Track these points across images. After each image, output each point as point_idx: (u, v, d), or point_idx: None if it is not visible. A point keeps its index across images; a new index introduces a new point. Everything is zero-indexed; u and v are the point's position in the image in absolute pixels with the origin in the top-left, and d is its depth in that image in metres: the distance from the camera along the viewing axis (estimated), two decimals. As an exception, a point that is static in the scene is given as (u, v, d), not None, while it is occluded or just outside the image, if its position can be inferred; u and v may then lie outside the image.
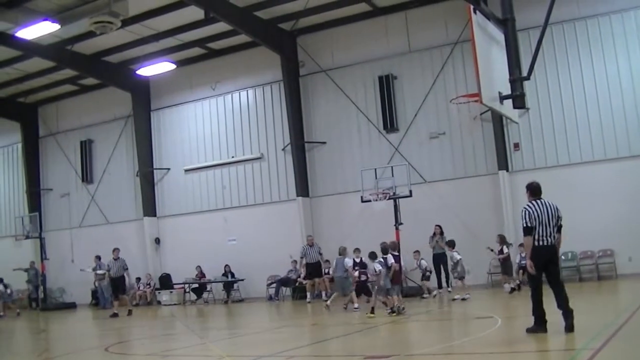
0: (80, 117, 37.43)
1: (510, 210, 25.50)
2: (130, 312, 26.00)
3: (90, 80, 35.52)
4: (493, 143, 26.30)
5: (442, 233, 24.20)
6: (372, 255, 19.27)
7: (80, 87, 36.89)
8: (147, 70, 31.91)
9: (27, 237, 35.36)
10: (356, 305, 20.13)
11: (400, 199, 24.90)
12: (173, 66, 31.76)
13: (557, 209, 11.59)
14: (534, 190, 11.80)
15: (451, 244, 22.37)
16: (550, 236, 11.44)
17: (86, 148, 37.01)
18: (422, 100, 27.90)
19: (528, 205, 11.62)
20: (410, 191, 24.77)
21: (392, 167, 25.99)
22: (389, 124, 28.39)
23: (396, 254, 18.07)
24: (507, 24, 11.74)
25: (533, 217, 11.43)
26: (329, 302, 21.11)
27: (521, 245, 19.14)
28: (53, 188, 38.49)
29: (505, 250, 22.83)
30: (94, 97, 36.80)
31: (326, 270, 25.93)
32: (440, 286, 24.09)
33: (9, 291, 37.07)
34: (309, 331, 16.84)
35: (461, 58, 27.05)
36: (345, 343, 14.07)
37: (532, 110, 25.61)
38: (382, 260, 18.51)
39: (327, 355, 12.82)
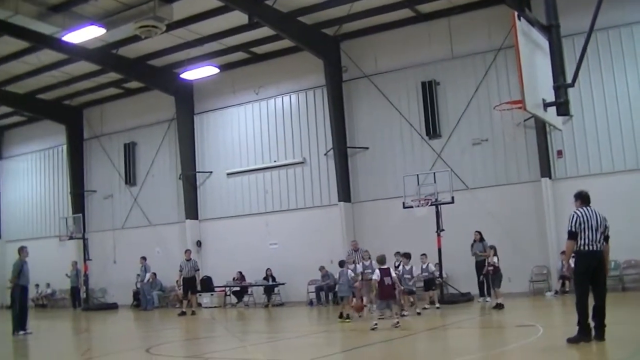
0: (124, 120, 37.76)
1: (552, 218, 25.26)
2: (194, 313, 26.95)
3: (134, 84, 35.89)
4: (536, 150, 26.09)
5: (482, 239, 24.01)
6: (340, 264, 20.67)
7: (125, 90, 37.25)
8: (190, 74, 32.08)
9: (71, 238, 35.76)
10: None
11: (442, 206, 24.85)
12: (216, 70, 31.89)
13: (604, 218, 11.58)
14: (584, 199, 11.78)
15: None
16: (597, 242, 11.39)
17: (130, 151, 37.34)
18: (465, 106, 27.77)
19: (578, 210, 11.59)
20: (453, 197, 24.75)
21: (434, 173, 25.96)
22: (432, 130, 28.30)
23: (384, 267, 17.56)
24: (551, 30, 11.64)
25: (580, 221, 11.40)
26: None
27: (563, 252, 18.82)
28: (97, 190, 38.87)
29: (496, 261, 21.42)
30: (138, 100, 37.14)
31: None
32: (482, 294, 23.94)
33: (49, 291, 38.11)
34: (348, 337, 16.80)
35: (504, 64, 26.85)
36: (384, 349, 14.02)
37: (576, 117, 25.22)
38: (346, 269, 20.23)
39: (367, 360, 12.80)
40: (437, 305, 22.59)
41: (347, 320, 19.54)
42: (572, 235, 11.49)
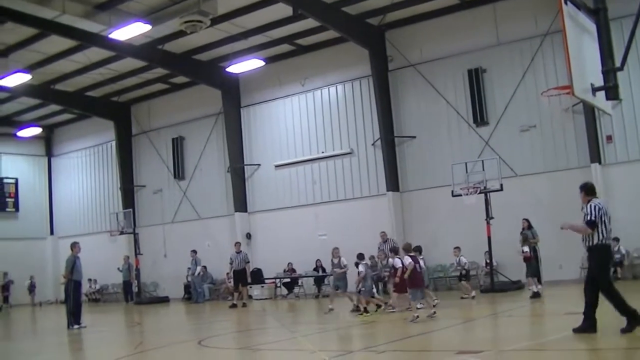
0: (172, 115, 38.07)
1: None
2: (245, 305, 27.25)
3: (180, 79, 36.15)
4: (585, 136, 25.78)
5: (530, 227, 23.79)
6: (360, 257, 20.72)
7: (171, 85, 37.55)
8: (236, 68, 32.15)
9: (122, 233, 36.21)
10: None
11: (491, 193, 24.73)
12: (262, 63, 31.95)
13: None
14: (590, 191, 11.89)
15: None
16: (611, 236, 11.54)
17: (178, 145, 37.65)
18: (512, 93, 27.55)
19: (600, 202, 11.82)
20: (501, 185, 24.62)
21: (482, 160, 25.85)
22: (479, 117, 28.16)
23: (412, 254, 17.39)
24: (598, 13, 11.51)
25: (602, 214, 11.53)
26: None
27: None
28: (146, 185, 39.28)
29: (526, 249, 21.40)
30: (185, 95, 37.44)
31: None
32: (539, 282, 23.75)
33: (97, 287, 38.75)
34: (399, 326, 16.78)
35: (551, 50, 26.58)
36: (436, 338, 14.02)
37: (625, 101, 24.80)
38: (367, 262, 20.66)
39: (419, 350, 12.75)
40: (473, 294, 22.67)
41: (368, 313, 19.57)
42: (593, 225, 11.68)
